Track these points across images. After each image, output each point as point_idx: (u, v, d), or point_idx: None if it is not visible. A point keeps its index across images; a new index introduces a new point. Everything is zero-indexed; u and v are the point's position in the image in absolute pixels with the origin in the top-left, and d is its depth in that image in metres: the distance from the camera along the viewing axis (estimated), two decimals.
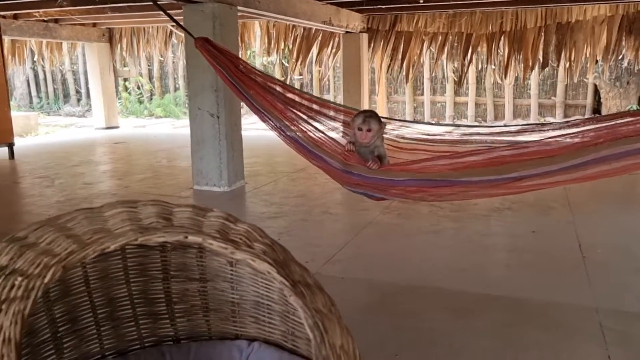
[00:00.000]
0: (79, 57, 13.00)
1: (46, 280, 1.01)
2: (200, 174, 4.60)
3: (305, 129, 2.96)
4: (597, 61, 8.28)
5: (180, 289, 1.61)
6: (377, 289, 2.54)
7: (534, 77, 9.72)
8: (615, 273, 2.71)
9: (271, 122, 3.12)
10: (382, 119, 2.74)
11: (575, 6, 6.96)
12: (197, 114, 4.49)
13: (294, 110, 3.15)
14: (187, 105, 12.64)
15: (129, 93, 13.05)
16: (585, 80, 9.84)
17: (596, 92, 10.03)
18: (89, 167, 5.96)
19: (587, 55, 7.49)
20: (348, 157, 2.68)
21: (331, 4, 6.44)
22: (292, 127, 2.99)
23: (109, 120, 9.41)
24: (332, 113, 3.10)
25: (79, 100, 13.93)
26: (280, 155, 6.70)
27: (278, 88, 3.19)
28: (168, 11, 3.48)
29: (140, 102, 12.94)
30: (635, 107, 9.55)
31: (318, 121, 3.17)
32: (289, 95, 3.17)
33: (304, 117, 3.12)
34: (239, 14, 4.67)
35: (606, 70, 8.87)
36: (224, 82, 3.45)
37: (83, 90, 13.72)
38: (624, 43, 7.23)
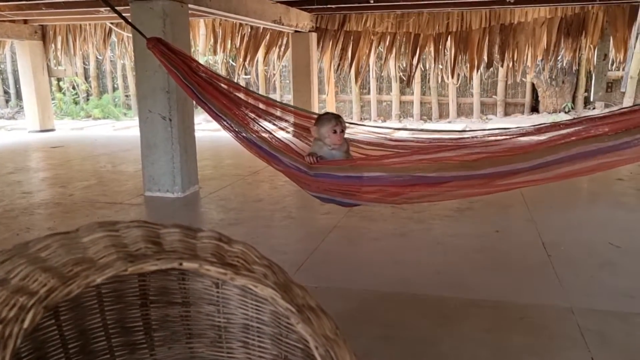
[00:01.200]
0: (7, 56, 12.20)
1: (25, 324, 0.86)
2: (151, 179, 4.37)
3: (266, 132, 2.88)
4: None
5: (161, 315, 1.47)
6: (353, 297, 2.46)
7: (476, 77, 9.98)
8: (581, 270, 2.76)
9: (229, 126, 3.00)
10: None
11: (517, 8, 7.17)
12: (147, 117, 4.26)
13: (254, 113, 3.05)
14: (126, 105, 12.15)
15: (64, 93, 12.37)
16: (524, 79, 10.22)
17: (534, 90, 10.43)
18: (26, 174, 5.56)
19: (529, 55, 7.75)
20: (314, 166, 2.60)
21: (281, 3, 6.32)
22: (252, 130, 2.89)
23: (43, 122, 8.86)
24: (292, 118, 3.04)
25: (7, 101, 13.08)
26: (230, 157, 6.52)
27: (237, 92, 3.08)
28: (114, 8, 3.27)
29: (76, 103, 12.29)
30: (570, 105, 10.00)
31: (278, 124, 3.08)
32: (248, 98, 3.08)
33: (264, 119, 3.03)
34: (189, 12, 4.47)
35: (546, 70, 9.23)
36: (177, 84, 3.29)
37: (12, 91, 12.90)
38: (562, 44, 7.52)
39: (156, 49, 3.11)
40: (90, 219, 3.78)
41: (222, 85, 3.14)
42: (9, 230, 3.56)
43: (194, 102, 3.46)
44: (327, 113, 2.82)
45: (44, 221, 3.79)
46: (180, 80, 3.13)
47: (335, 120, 2.59)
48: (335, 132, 2.55)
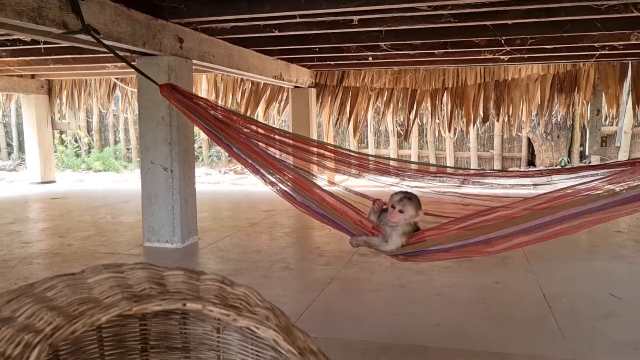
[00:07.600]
0: (12, 109, 12.43)
1: None
2: (151, 230, 4.38)
3: (305, 181, 2.63)
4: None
5: None
6: (353, 349, 2.43)
7: (473, 131, 10.16)
8: (583, 322, 2.73)
9: (262, 173, 2.74)
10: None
11: (511, 65, 7.40)
12: (149, 168, 4.32)
13: (287, 159, 2.93)
14: (127, 157, 12.28)
15: (66, 146, 12.53)
16: (519, 134, 10.40)
17: (530, 145, 10.60)
18: (25, 224, 5.57)
19: (524, 110, 7.93)
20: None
21: (282, 59, 6.52)
22: (287, 178, 2.65)
23: (45, 174, 8.94)
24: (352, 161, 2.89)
25: (9, 153, 13.22)
26: (228, 209, 6.56)
27: (270, 134, 2.93)
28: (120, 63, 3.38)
29: (78, 156, 12.43)
30: (566, 159, 10.13)
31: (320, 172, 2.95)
32: (285, 141, 2.91)
33: (303, 167, 2.82)
34: (193, 67, 4.62)
35: (541, 125, 9.42)
36: (201, 130, 3.10)
37: (15, 143, 13.06)
38: (556, 100, 7.71)
39: (171, 97, 2.96)
40: None
41: (247, 128, 2.94)
42: (6, 279, 3.54)
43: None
44: (404, 190, 2.49)
45: (42, 271, 3.77)
46: (202, 127, 2.94)
47: (400, 197, 2.40)
48: (393, 207, 2.38)
